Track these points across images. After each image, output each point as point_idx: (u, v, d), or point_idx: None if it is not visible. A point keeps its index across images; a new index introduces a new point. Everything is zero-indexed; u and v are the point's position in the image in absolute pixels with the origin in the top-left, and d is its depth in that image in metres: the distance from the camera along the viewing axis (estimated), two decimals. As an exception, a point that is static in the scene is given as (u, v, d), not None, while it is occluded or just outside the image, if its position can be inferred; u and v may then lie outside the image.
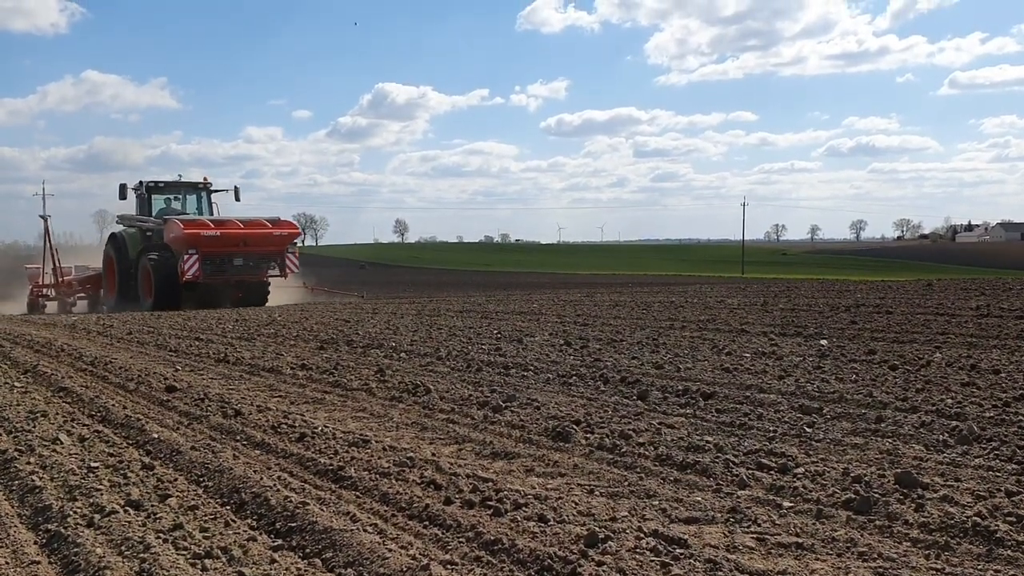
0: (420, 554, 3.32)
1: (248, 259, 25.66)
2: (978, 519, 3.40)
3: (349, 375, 8.24)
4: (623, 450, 4.87)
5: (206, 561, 3.31)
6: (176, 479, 4.54)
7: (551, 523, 3.60)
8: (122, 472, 4.67)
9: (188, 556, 3.37)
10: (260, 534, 3.66)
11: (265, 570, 3.24)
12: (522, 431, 5.53)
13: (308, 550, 3.44)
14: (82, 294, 30.72)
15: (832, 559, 3.20)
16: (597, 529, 3.44)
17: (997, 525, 3.34)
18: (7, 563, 3.43)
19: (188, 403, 6.94)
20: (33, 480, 4.52)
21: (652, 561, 3.16)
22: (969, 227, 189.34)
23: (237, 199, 29.55)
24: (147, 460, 4.94)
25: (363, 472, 4.54)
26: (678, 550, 3.25)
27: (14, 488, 4.52)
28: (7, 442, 5.52)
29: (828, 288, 21.45)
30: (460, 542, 3.46)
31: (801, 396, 6.24)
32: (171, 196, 28.31)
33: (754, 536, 3.45)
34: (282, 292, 27.65)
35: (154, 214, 27.64)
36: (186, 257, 24.44)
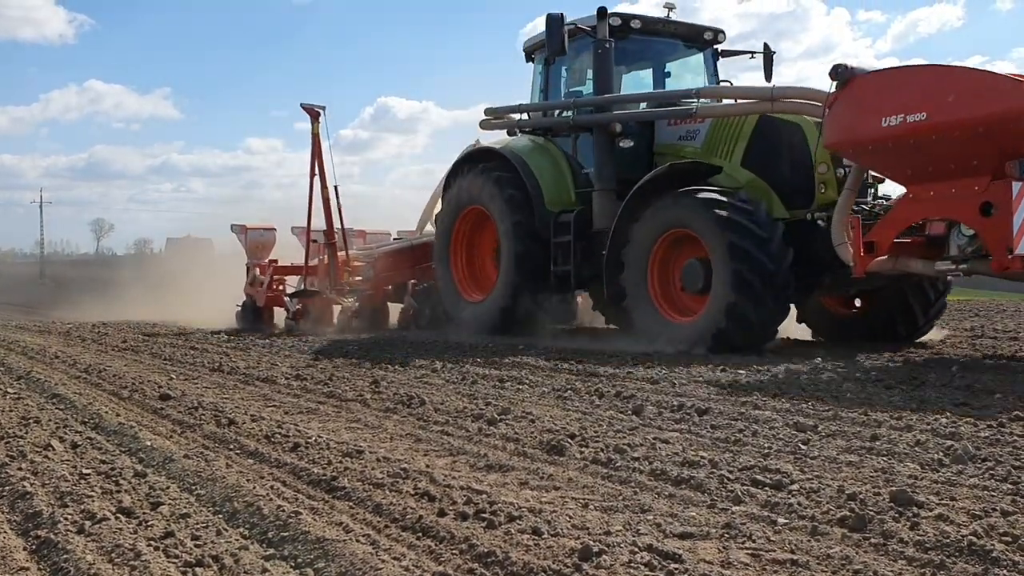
0: (413, 565, 3.30)
1: None
2: (973, 538, 3.39)
3: (344, 386, 8.22)
4: (618, 464, 4.85)
5: (197, 569, 3.29)
6: (168, 487, 4.51)
7: (545, 536, 3.58)
8: (114, 479, 4.65)
9: (179, 564, 3.35)
10: (252, 543, 3.64)
11: (256, 579, 3.22)
12: (517, 444, 5.51)
13: (300, 560, 3.42)
14: (363, 287, 14.85)
15: (827, 576, 3.19)
16: (591, 543, 3.42)
17: (993, 544, 3.33)
18: (-4, 569, 3.41)
19: (182, 411, 6.92)
20: (24, 486, 4.49)
21: (646, 575, 3.15)
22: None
23: (767, 76, 12.67)
24: (139, 468, 4.92)
25: (356, 483, 4.52)
26: (672, 565, 3.24)
27: (4, 494, 4.49)
28: (-1, 448, 5.50)
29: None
30: (453, 554, 3.44)
31: (796, 413, 6.23)
32: (623, 65, 12.57)
33: (749, 552, 3.43)
34: None
35: (547, 95, 12.87)
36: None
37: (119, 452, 5.42)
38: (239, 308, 16.14)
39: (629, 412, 6.49)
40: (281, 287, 15.94)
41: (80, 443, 5.64)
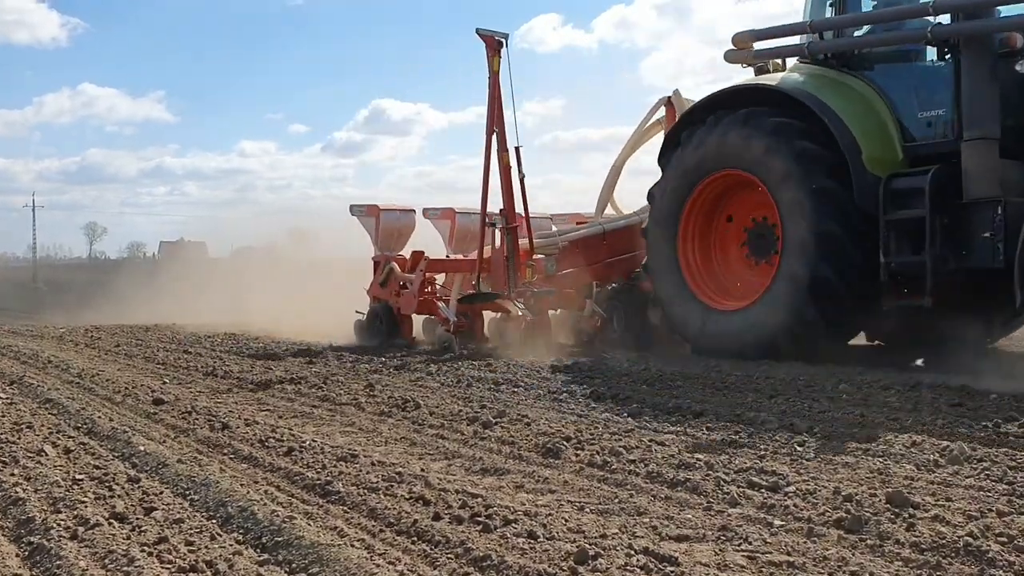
0: (408, 570, 3.29)
1: None
2: (970, 539, 3.38)
3: (338, 389, 8.19)
4: (614, 467, 4.84)
5: (191, 575, 3.27)
6: (162, 492, 4.49)
7: (541, 540, 3.57)
8: (107, 485, 4.62)
9: (173, 570, 3.33)
10: (246, 548, 3.61)
11: (251, 585, 3.20)
12: (512, 447, 5.50)
13: (294, 565, 3.40)
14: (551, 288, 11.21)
15: (823, 578, 3.18)
16: (587, 546, 3.41)
17: (989, 545, 3.32)
18: (-12, 576, 3.39)
19: (175, 416, 6.89)
20: (16, 492, 4.46)
21: (642, 579, 3.13)
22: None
23: None
24: (133, 473, 4.89)
25: (351, 487, 4.50)
26: (668, 568, 3.23)
27: (-3, 500, 4.47)
28: (-9, 453, 5.46)
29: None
30: (449, 558, 3.42)
31: (792, 415, 6.23)
32: None
33: (745, 554, 3.42)
34: None
35: (840, 11, 9.00)
36: None
37: (112, 457, 5.39)
38: (361, 316, 12.49)
39: (625, 414, 6.48)
40: (430, 288, 12.21)
41: (73, 448, 5.61)
